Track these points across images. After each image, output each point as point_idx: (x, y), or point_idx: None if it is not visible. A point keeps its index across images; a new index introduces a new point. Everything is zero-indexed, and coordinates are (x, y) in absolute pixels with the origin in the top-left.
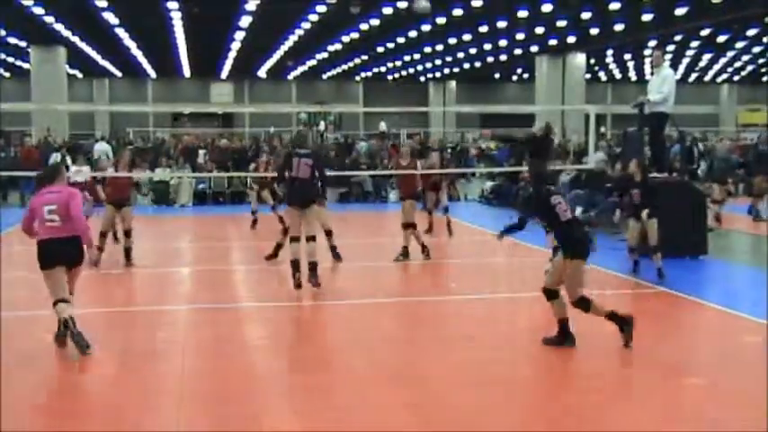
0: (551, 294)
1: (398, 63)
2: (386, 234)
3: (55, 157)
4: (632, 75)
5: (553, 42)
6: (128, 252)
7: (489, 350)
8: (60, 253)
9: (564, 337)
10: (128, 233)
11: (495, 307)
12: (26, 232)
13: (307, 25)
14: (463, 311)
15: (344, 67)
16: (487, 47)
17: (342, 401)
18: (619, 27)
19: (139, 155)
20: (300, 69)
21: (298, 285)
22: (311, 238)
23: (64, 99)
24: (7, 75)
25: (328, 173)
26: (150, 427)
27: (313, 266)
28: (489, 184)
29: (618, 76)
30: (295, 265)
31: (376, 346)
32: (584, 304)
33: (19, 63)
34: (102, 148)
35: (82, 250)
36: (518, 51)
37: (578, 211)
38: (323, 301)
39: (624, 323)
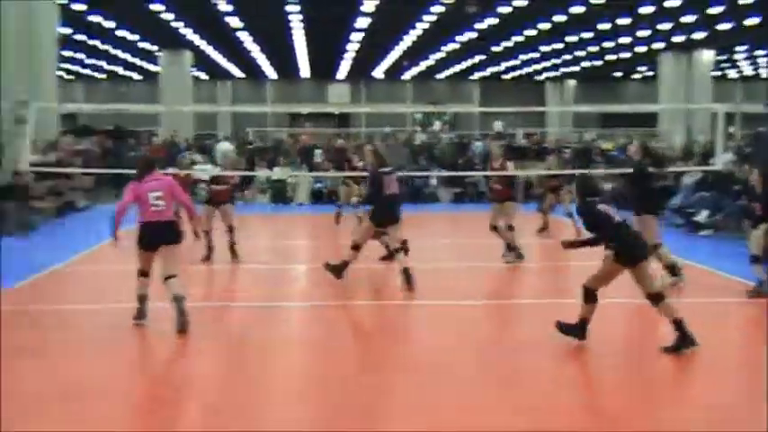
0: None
1: (515, 62)
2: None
3: (186, 156)
4: (764, 72)
5: (679, 39)
6: (232, 247)
7: (606, 356)
8: (161, 234)
9: (683, 340)
10: (230, 229)
11: (612, 312)
12: (121, 212)
13: (423, 25)
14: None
15: (460, 66)
16: (608, 45)
17: (450, 402)
18: (751, 22)
19: (258, 154)
20: (416, 69)
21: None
22: (402, 249)
23: (189, 100)
24: (138, 77)
25: (443, 173)
26: (265, 422)
27: (406, 271)
28: (608, 185)
29: (749, 73)
30: (346, 265)
31: (484, 347)
32: (588, 293)
33: (149, 66)
34: (223, 147)
35: (179, 233)
36: (641, 49)
37: (704, 214)
38: (430, 301)
39: (578, 330)
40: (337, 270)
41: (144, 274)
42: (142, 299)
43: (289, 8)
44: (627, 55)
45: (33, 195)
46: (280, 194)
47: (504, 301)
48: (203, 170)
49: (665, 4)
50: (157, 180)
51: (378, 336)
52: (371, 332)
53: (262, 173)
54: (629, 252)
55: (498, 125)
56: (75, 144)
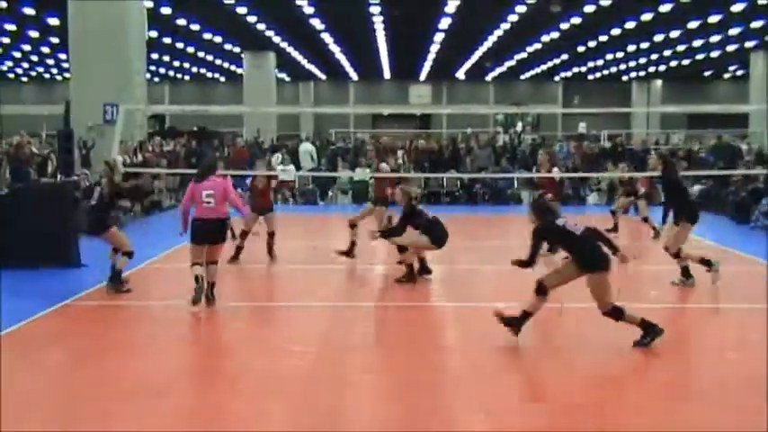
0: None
1: (600, 62)
2: None
3: (276, 157)
4: None
5: None
6: (270, 248)
7: (691, 363)
8: (209, 230)
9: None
10: (270, 235)
11: (701, 318)
12: (184, 211)
13: (506, 26)
14: (667, 321)
15: (543, 67)
16: (697, 43)
17: (533, 403)
18: None
19: (340, 155)
20: (498, 70)
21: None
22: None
23: (273, 102)
24: (222, 79)
25: (524, 174)
26: (344, 413)
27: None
28: (697, 187)
29: None
30: (412, 269)
31: (570, 348)
32: (616, 313)
33: (233, 68)
34: (306, 148)
35: (225, 232)
36: (731, 48)
37: None
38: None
39: (652, 330)
40: (409, 278)
41: (197, 264)
42: (198, 279)
43: (372, 9)
44: (717, 54)
45: (121, 194)
46: (361, 195)
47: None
48: (285, 170)
49: (759, 1)
50: (212, 181)
51: (459, 336)
52: (455, 333)
53: (344, 174)
54: (587, 261)
55: (582, 126)
56: (163, 145)
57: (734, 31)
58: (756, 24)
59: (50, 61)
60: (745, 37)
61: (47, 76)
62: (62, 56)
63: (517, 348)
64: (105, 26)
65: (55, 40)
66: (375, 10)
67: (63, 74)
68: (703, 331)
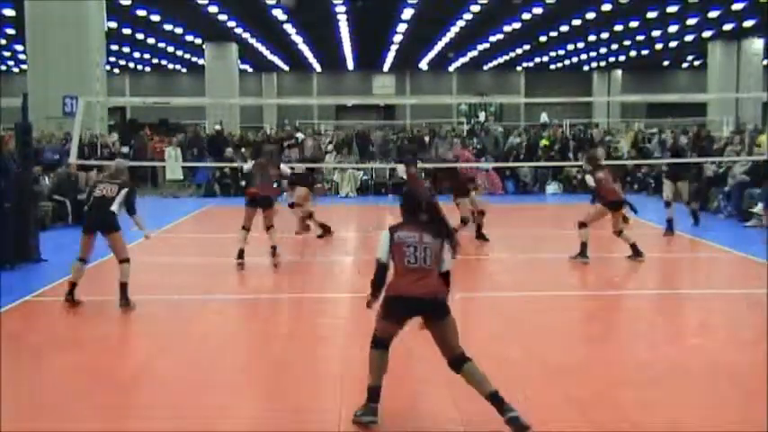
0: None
1: (561, 52)
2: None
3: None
4: None
5: (728, 27)
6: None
7: (659, 346)
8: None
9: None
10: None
11: (665, 304)
12: None
13: (468, 16)
14: (636, 307)
15: (506, 57)
16: (656, 33)
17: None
18: None
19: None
20: (461, 61)
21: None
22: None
23: (235, 93)
24: (184, 71)
25: (484, 164)
26: (312, 409)
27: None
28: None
29: None
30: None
31: (537, 339)
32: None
33: (194, 59)
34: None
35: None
36: (689, 37)
37: (759, 207)
38: (485, 293)
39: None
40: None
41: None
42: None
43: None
44: (675, 44)
45: (81, 189)
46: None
47: (567, 293)
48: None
49: None
50: None
51: None
52: None
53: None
54: None
55: (544, 116)
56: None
57: (691, 21)
58: (713, 14)
59: (6, 53)
60: (702, 27)
61: (2, 68)
62: (18, 47)
63: (539, 335)
64: (63, 17)
65: (11, 31)
66: (337, 0)
67: (20, 66)
68: (666, 317)
